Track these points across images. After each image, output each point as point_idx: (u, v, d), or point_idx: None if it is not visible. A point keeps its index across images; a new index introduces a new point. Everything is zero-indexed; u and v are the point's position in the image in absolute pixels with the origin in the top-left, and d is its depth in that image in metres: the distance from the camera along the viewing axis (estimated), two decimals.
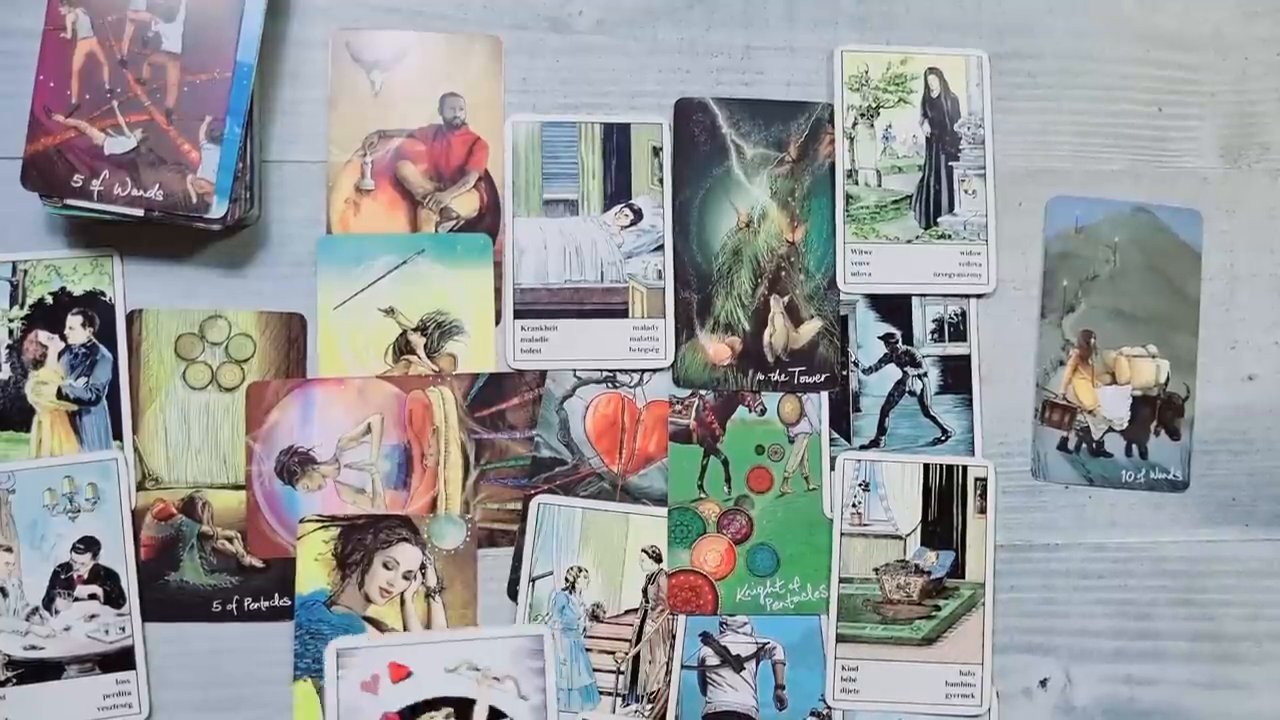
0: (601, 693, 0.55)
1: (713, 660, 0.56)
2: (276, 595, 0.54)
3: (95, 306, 0.54)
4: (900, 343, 0.58)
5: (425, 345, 0.55)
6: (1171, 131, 0.60)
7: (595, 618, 0.55)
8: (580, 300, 0.56)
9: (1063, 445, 0.58)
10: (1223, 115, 0.60)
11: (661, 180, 0.57)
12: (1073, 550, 0.58)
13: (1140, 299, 0.59)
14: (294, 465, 0.55)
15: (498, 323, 0.56)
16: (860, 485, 0.57)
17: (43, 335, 0.54)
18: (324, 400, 0.55)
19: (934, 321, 0.58)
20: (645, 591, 0.56)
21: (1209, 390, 0.59)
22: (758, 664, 0.56)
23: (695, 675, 0.55)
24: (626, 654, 0.55)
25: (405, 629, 0.54)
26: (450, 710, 0.39)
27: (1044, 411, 0.58)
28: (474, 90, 0.56)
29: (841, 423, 0.57)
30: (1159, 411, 0.59)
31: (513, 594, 0.55)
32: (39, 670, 0.53)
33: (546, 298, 0.56)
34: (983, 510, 0.57)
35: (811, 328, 0.57)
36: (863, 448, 0.57)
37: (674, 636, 0.56)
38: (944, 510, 0.57)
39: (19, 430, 0.54)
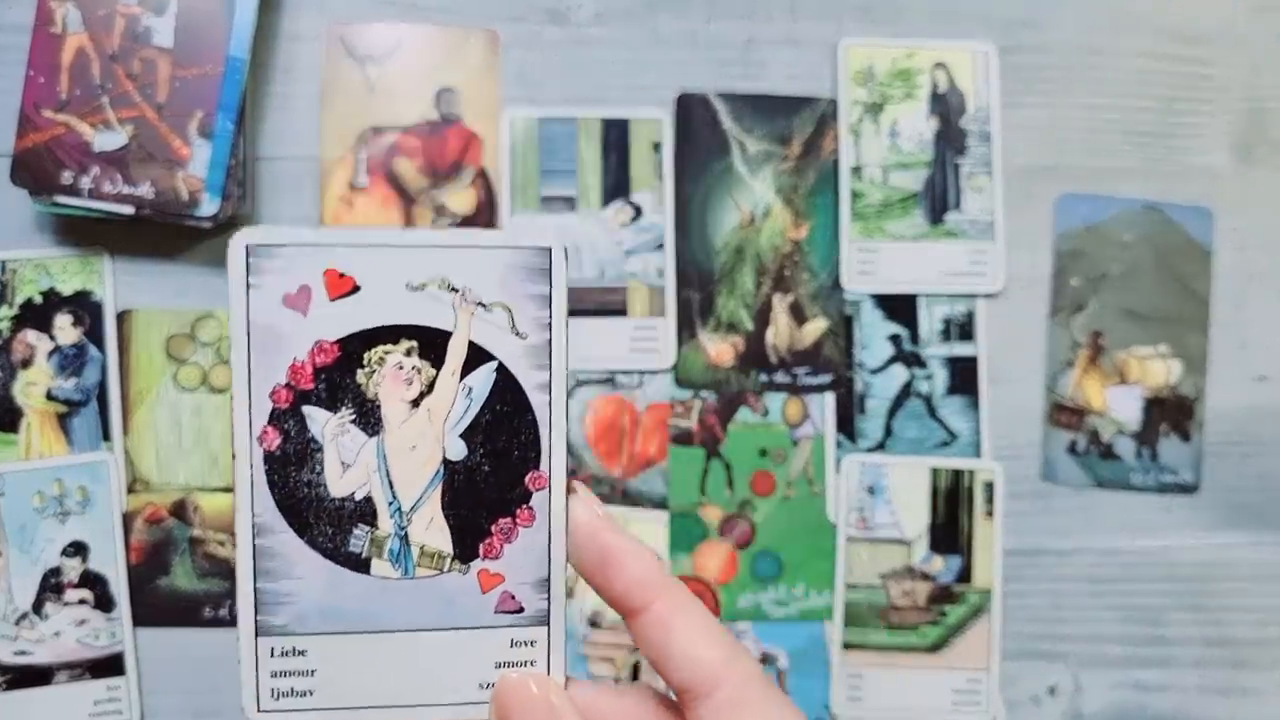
0: None
1: None
2: None
3: (85, 306, 0.54)
4: (907, 343, 0.57)
5: None
6: (1182, 128, 0.59)
7: (594, 624, 0.54)
8: (579, 299, 0.55)
9: (1072, 447, 0.58)
10: (1234, 111, 0.59)
11: (662, 176, 0.56)
12: (1082, 555, 0.58)
13: (1150, 298, 0.58)
14: None
15: None
16: (866, 489, 0.56)
17: (31, 335, 0.53)
18: None
19: (941, 321, 0.57)
20: None
21: (1220, 391, 0.58)
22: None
23: None
24: (626, 661, 0.54)
25: None
26: (413, 344, 0.27)
27: (1053, 413, 0.58)
28: (470, 85, 0.56)
29: (846, 425, 0.56)
30: (1169, 413, 0.58)
31: None
32: (28, 676, 0.52)
33: None
34: (990, 514, 0.56)
35: (816, 327, 0.56)
36: (868, 450, 0.56)
37: None
38: (951, 514, 0.56)
39: (7, 432, 0.53)
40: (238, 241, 0.27)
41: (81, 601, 0.52)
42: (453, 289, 0.28)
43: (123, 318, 0.54)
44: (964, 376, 0.57)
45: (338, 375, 0.27)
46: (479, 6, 0.56)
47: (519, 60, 0.56)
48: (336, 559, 0.28)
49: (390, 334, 0.27)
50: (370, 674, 0.28)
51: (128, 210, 0.51)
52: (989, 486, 0.56)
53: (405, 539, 0.28)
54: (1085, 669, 0.57)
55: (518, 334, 0.28)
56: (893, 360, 0.57)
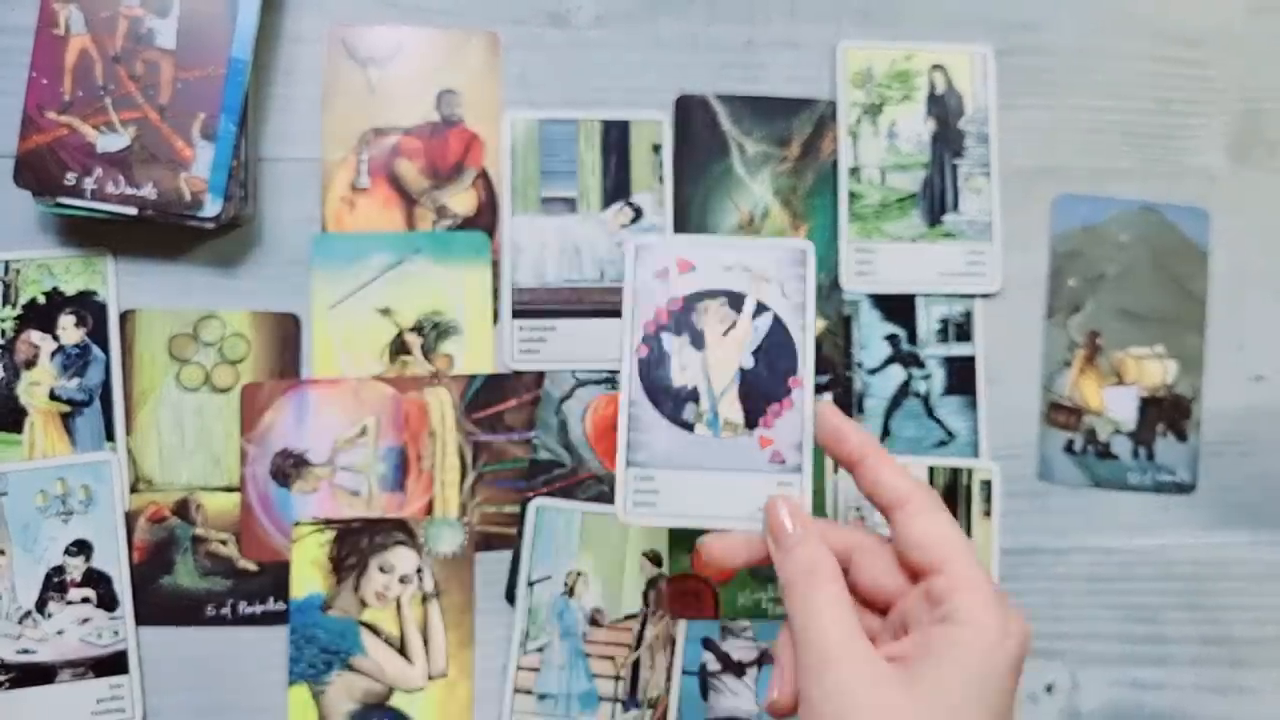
0: (601, 698, 0.54)
1: (714, 666, 0.55)
2: (271, 599, 0.54)
3: (88, 306, 0.54)
4: (905, 343, 0.57)
5: (422, 346, 0.55)
6: (1179, 129, 0.59)
7: (595, 622, 0.55)
8: (579, 300, 0.56)
9: (1069, 447, 0.58)
10: (1230, 113, 0.60)
11: (662, 178, 0.57)
12: (1079, 554, 0.58)
13: (1147, 298, 0.58)
14: (289, 467, 0.54)
15: (495, 322, 0.55)
16: None
17: (35, 335, 0.54)
18: (319, 401, 0.54)
19: (939, 321, 0.57)
20: (645, 596, 0.55)
21: (1216, 391, 0.59)
22: (759, 669, 0.55)
23: (696, 681, 0.55)
24: (626, 659, 0.55)
25: (401, 634, 0.54)
26: (725, 299, 0.46)
27: (1050, 413, 0.58)
28: (471, 87, 0.56)
29: None
30: (1166, 413, 0.58)
31: (510, 598, 0.55)
32: (31, 674, 0.52)
33: (545, 297, 0.55)
34: (988, 513, 0.57)
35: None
36: None
37: (674, 641, 0.55)
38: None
39: (11, 432, 0.53)
40: (631, 243, 0.46)
41: (84, 600, 0.53)
42: (748, 270, 0.46)
43: (126, 318, 0.54)
44: (961, 376, 0.57)
45: (682, 316, 0.46)
46: (480, 9, 0.57)
47: (520, 62, 0.56)
48: (675, 423, 0.45)
49: (712, 294, 0.46)
50: (691, 496, 0.44)
51: (131, 211, 0.51)
52: (986, 485, 0.57)
53: (716, 413, 0.45)
54: (1082, 667, 0.57)
55: (785, 296, 0.46)
56: (891, 360, 0.57)
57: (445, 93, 0.56)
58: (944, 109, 0.58)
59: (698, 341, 0.46)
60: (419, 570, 0.54)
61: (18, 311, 0.54)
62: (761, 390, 0.46)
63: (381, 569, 0.54)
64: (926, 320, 0.57)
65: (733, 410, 0.46)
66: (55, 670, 0.52)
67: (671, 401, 0.46)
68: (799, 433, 0.45)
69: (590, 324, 0.56)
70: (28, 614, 0.52)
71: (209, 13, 0.51)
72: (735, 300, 0.46)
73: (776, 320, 0.46)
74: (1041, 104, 0.59)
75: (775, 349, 0.46)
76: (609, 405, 0.56)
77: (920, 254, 0.57)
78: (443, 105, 0.56)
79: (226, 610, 0.54)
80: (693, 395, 0.46)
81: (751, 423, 0.46)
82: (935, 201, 0.57)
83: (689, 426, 0.46)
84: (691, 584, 0.55)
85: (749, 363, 0.46)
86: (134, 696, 0.53)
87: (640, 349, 0.46)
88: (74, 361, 0.54)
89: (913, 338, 0.57)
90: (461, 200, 0.56)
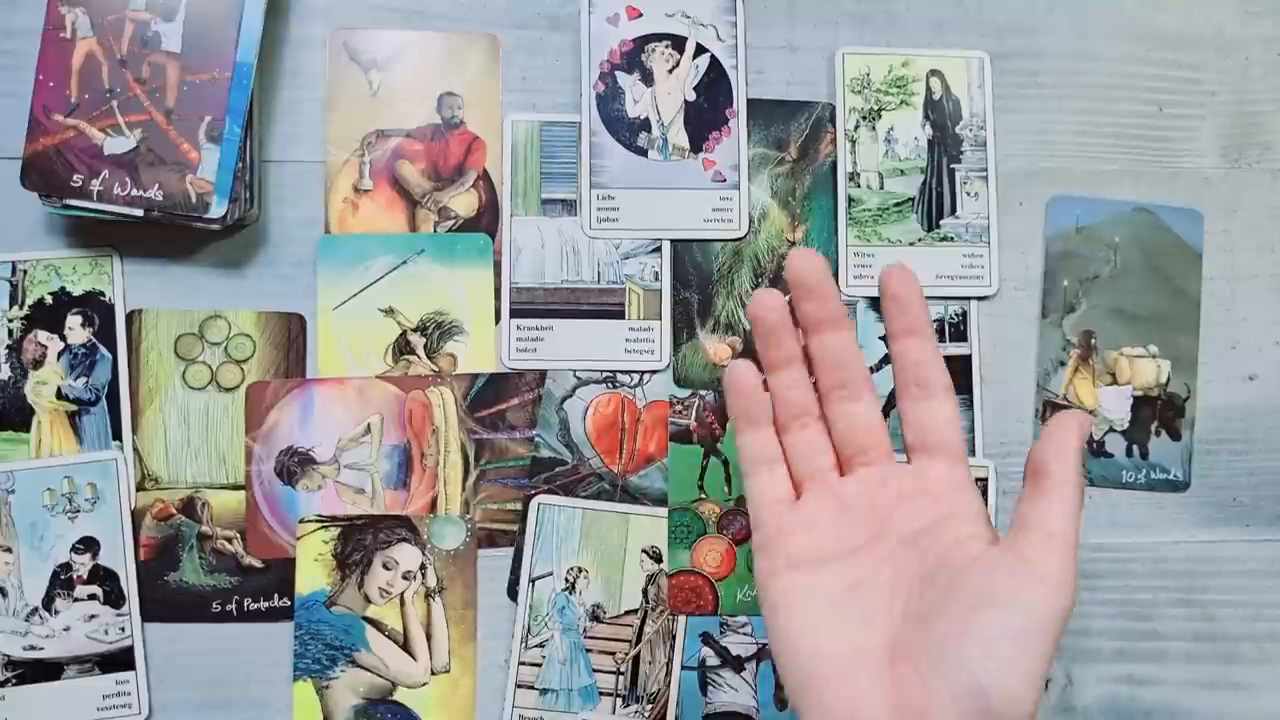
0: (602, 693, 0.55)
1: (713, 661, 0.56)
2: (276, 595, 0.54)
3: (95, 306, 0.54)
4: None
5: (425, 345, 0.55)
6: (1172, 131, 0.60)
7: (595, 618, 0.55)
8: (577, 300, 0.56)
9: None
10: (1223, 115, 0.60)
11: None
12: None
13: (1141, 299, 0.59)
14: (293, 465, 0.55)
15: (498, 322, 0.56)
16: None
17: (42, 335, 0.54)
18: (324, 400, 0.55)
19: (935, 322, 0.58)
20: (645, 592, 0.56)
21: (1210, 390, 0.59)
22: (758, 664, 0.56)
23: (695, 676, 0.55)
24: (627, 654, 0.55)
25: (405, 630, 0.54)
26: (669, 42, 0.54)
27: (1045, 412, 0.58)
28: (472, 89, 0.56)
29: None
30: (1160, 411, 0.59)
31: (512, 594, 0.55)
32: (38, 670, 0.53)
33: (543, 297, 0.56)
34: None
35: None
36: None
37: (674, 637, 0.56)
38: None
39: (18, 430, 0.54)
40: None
41: (91, 597, 0.53)
42: (687, 16, 0.55)
43: (132, 318, 0.54)
44: (957, 376, 0.57)
45: (633, 56, 0.55)
46: (481, 13, 0.57)
47: (521, 65, 0.57)
48: (631, 149, 0.54)
49: (658, 37, 0.55)
50: (650, 209, 0.54)
51: (137, 213, 0.51)
52: (982, 483, 0.57)
53: (666, 140, 0.54)
54: (1076, 663, 0.58)
55: (720, 40, 0.55)
56: (888, 360, 0.57)
57: (446, 95, 0.56)
58: (941, 114, 0.58)
59: (647, 79, 0.54)
60: (422, 567, 0.55)
61: (25, 311, 0.54)
62: (703, 119, 0.55)
63: (385, 565, 0.54)
64: None
65: (680, 137, 0.54)
66: (62, 666, 0.53)
67: (627, 131, 0.54)
68: (735, 155, 0.54)
69: (586, 324, 0.56)
70: (35, 611, 0.53)
71: (215, 17, 0.52)
72: (678, 43, 0.54)
73: (713, 60, 0.55)
74: (1036, 107, 0.59)
75: (712, 84, 0.55)
76: (610, 404, 0.56)
77: (918, 257, 0.57)
78: (444, 108, 0.56)
79: (232, 607, 0.54)
80: (645, 125, 0.55)
81: (696, 148, 0.55)
82: (933, 205, 0.58)
83: (643, 152, 0.54)
84: (690, 579, 0.56)
85: (691, 95, 0.55)
86: (140, 692, 0.53)
87: (598, 85, 0.54)
88: (81, 361, 0.54)
89: None
90: (463, 201, 0.56)
